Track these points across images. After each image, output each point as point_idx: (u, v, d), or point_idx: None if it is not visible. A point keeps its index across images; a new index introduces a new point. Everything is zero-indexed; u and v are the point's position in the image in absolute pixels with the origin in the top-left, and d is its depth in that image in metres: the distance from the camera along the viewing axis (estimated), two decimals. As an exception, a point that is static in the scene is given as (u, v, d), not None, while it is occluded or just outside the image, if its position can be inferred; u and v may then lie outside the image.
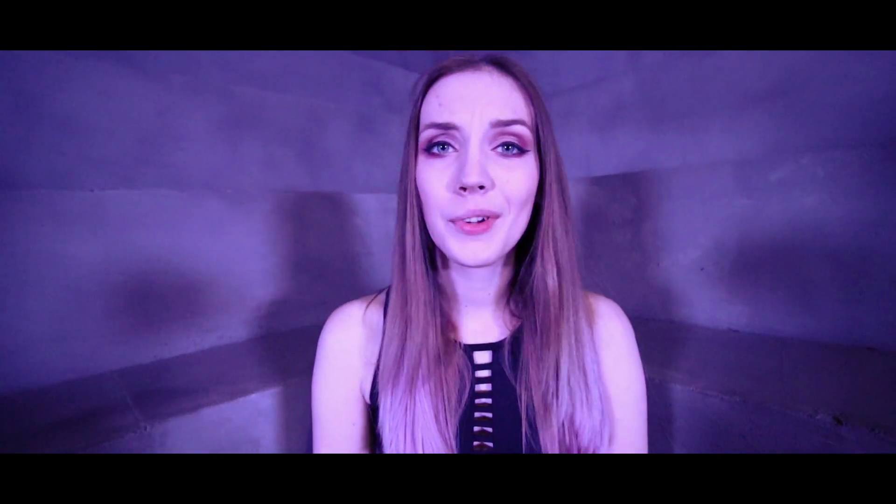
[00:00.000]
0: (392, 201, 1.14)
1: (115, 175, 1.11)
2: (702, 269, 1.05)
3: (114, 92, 1.12)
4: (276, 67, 1.59)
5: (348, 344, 0.50)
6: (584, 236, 1.27)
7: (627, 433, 0.48)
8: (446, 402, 0.44)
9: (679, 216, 1.10)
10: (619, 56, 1.58)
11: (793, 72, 1.10)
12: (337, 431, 0.50)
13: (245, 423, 0.75)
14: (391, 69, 2.11)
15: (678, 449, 0.73)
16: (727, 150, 1.19)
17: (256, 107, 1.42)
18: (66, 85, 1.06)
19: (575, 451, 0.44)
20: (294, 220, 1.27)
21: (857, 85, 0.99)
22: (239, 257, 1.15)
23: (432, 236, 0.44)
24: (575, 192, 1.32)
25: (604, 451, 0.46)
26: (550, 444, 0.42)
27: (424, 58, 2.21)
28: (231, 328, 1.11)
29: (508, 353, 0.46)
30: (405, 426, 0.44)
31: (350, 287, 1.36)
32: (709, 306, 1.04)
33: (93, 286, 0.92)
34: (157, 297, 1.00)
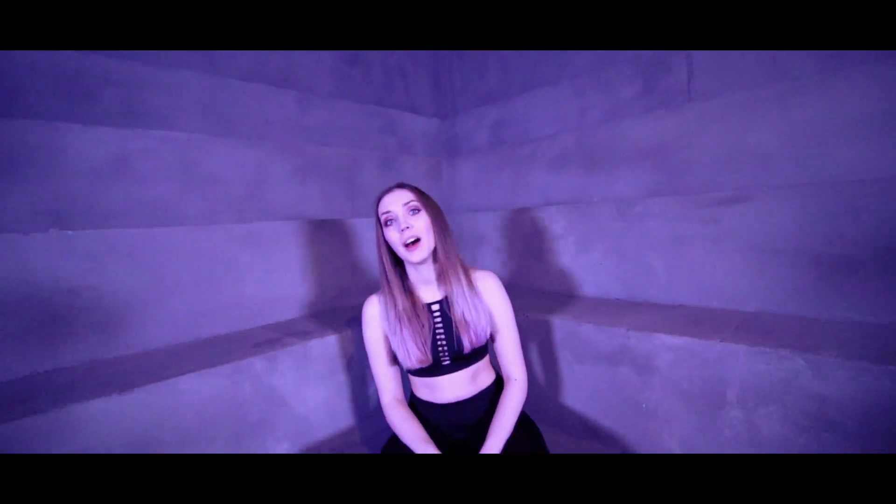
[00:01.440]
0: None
1: (232, 212, 1.79)
2: (601, 265, 1.67)
3: (227, 151, 1.80)
4: (326, 127, 2.27)
5: (374, 312, 1.08)
6: (530, 243, 1.90)
7: (504, 332, 1.07)
8: (420, 334, 1.02)
9: (591, 232, 1.72)
10: (572, 115, 2.21)
11: (664, 140, 1.71)
12: (377, 354, 1.09)
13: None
14: (401, 114, 2.79)
15: (547, 348, 1.35)
16: (622, 190, 1.81)
17: (315, 157, 2.09)
18: (212, 153, 1.73)
19: (478, 345, 1.04)
20: (345, 238, 1.92)
21: (698, 149, 1.60)
22: (306, 266, 1.80)
23: (398, 254, 1.01)
24: (532, 215, 1.95)
25: (489, 341, 1.06)
26: (468, 342, 1.03)
27: (430, 105, 2.88)
28: (316, 305, 1.76)
29: (445, 303, 1.06)
30: (403, 349, 1.02)
31: (365, 274, 2.01)
32: (597, 286, 1.65)
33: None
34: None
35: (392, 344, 1.04)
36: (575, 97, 2.36)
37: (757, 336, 1.06)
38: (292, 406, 1.23)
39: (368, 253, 1.96)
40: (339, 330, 1.39)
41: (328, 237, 1.84)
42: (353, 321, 1.41)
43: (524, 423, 1.05)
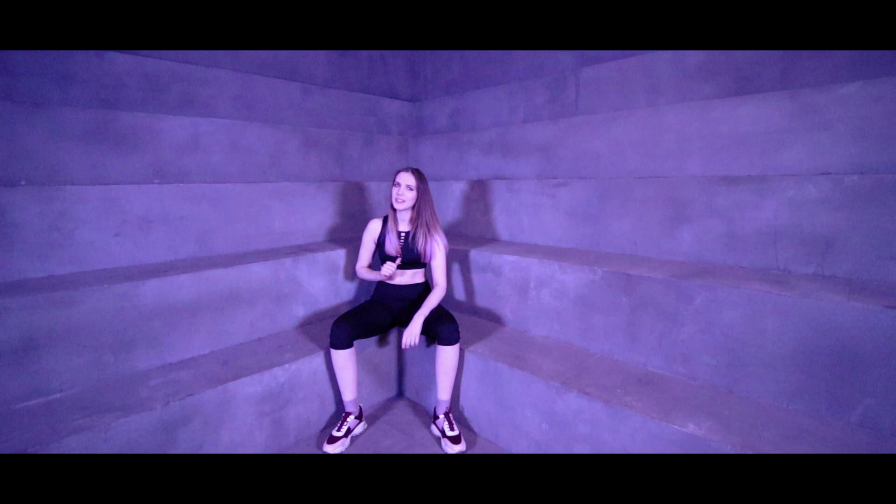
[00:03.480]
0: (381, 186, 2.74)
1: (261, 174, 2.68)
2: (497, 219, 2.64)
3: (256, 132, 2.67)
4: (323, 110, 3.13)
5: (373, 227, 2.06)
6: (463, 208, 2.86)
7: (437, 261, 2.01)
8: (395, 243, 2.00)
9: (493, 199, 2.68)
10: (504, 113, 3.13)
11: (549, 140, 2.65)
12: (366, 244, 2.05)
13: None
14: (381, 99, 3.65)
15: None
16: (529, 173, 2.76)
17: (315, 137, 2.97)
18: (246, 132, 2.61)
19: (416, 258, 2.01)
20: (336, 194, 2.83)
21: (564, 149, 2.55)
22: (312, 211, 2.72)
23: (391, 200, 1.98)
24: (464, 186, 2.89)
25: (431, 263, 2.04)
26: (415, 255, 1.99)
27: (405, 89, 3.74)
28: (318, 235, 2.70)
29: (409, 234, 2.01)
30: (386, 243, 2.01)
31: (362, 219, 2.95)
32: (495, 232, 2.64)
33: (265, 217, 2.51)
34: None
35: (385, 242, 2.00)
36: (508, 98, 3.27)
37: (552, 256, 2.06)
38: (306, 287, 2.21)
39: (351, 205, 2.89)
40: (333, 249, 2.36)
41: (325, 193, 2.75)
42: (345, 243, 2.37)
43: (442, 310, 2.03)
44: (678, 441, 1.29)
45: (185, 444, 1.52)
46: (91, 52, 2.27)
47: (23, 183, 1.87)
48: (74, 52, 2.21)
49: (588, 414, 1.50)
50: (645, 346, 1.71)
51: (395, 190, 1.94)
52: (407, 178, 1.93)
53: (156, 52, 2.52)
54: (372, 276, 2.00)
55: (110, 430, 1.35)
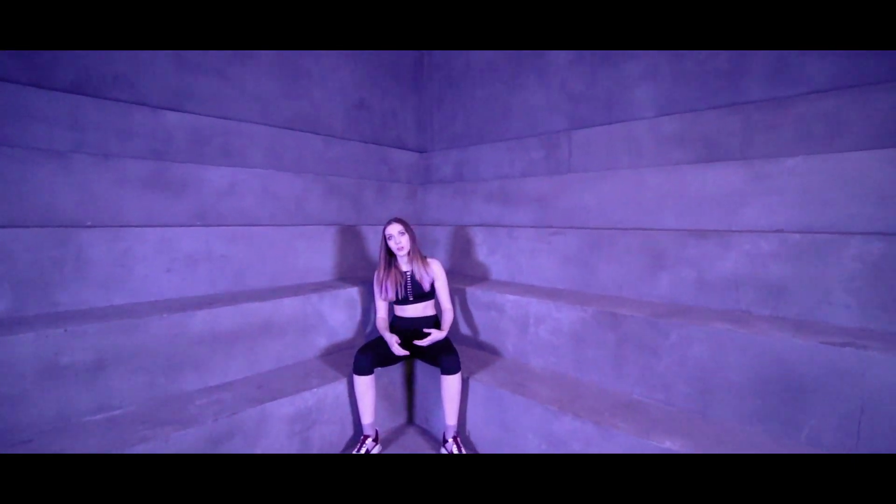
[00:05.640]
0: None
1: (287, 217, 2.99)
2: (497, 262, 2.94)
3: (284, 180, 3.00)
4: (341, 159, 3.50)
5: (376, 281, 2.34)
6: (467, 250, 3.16)
7: (440, 287, 2.31)
8: (398, 284, 2.27)
9: (495, 243, 2.98)
10: (504, 166, 3.51)
11: (545, 193, 3.00)
12: (377, 296, 2.32)
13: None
14: (391, 150, 4.04)
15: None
16: (526, 221, 3.10)
17: (336, 185, 3.30)
18: (276, 180, 2.93)
19: (425, 291, 2.28)
20: (344, 237, 3.13)
21: (558, 201, 2.90)
22: (331, 251, 3.00)
23: (392, 251, 2.26)
24: (469, 231, 3.21)
25: (433, 292, 2.31)
26: (421, 288, 2.27)
27: (413, 140, 4.14)
28: (336, 273, 2.97)
29: (411, 272, 2.31)
30: (385, 292, 2.26)
31: (374, 259, 3.23)
32: (496, 273, 2.93)
33: (290, 256, 2.79)
34: (306, 261, 2.88)
35: (381, 291, 2.28)
36: (507, 153, 3.66)
37: (548, 296, 2.34)
38: (328, 320, 2.46)
39: (367, 247, 3.18)
40: (352, 285, 2.63)
41: (344, 235, 3.05)
42: (359, 282, 2.64)
43: (446, 342, 2.28)
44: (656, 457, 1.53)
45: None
46: (147, 109, 2.61)
47: (88, 223, 2.15)
48: (134, 109, 2.56)
49: (581, 434, 1.74)
50: (630, 376, 1.96)
51: (391, 242, 2.23)
52: (397, 227, 2.24)
53: (200, 109, 2.89)
54: (387, 338, 2.13)
55: (170, 440, 1.57)
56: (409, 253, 2.26)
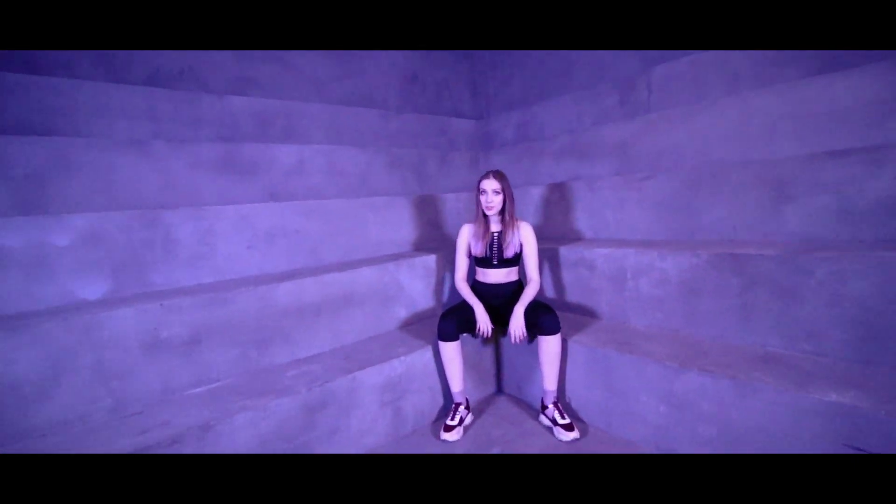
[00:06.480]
0: (458, 197, 2.90)
1: (353, 192, 2.93)
2: (578, 218, 2.69)
3: (348, 155, 2.94)
4: (400, 133, 3.39)
5: (465, 230, 2.16)
6: (542, 211, 2.94)
7: (528, 252, 2.11)
8: (486, 243, 2.11)
9: (573, 199, 2.74)
10: (572, 119, 3.23)
11: (625, 139, 2.70)
12: (460, 250, 2.16)
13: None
14: (449, 119, 3.87)
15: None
16: (604, 173, 2.82)
17: (398, 157, 3.20)
18: (340, 155, 2.88)
19: (511, 256, 2.10)
20: (414, 206, 3.02)
21: (641, 146, 2.59)
22: (401, 223, 2.91)
23: (482, 208, 2.10)
24: (542, 191, 2.98)
25: (519, 257, 2.13)
26: (507, 253, 2.09)
27: (469, 109, 3.95)
28: (407, 244, 2.89)
29: (499, 234, 2.12)
30: (476, 247, 2.11)
31: (444, 229, 3.10)
32: (577, 231, 2.68)
33: (361, 230, 2.73)
34: (377, 235, 2.80)
35: (472, 246, 2.12)
36: (574, 106, 3.37)
37: (643, 247, 2.08)
38: (406, 290, 2.37)
39: (436, 217, 3.05)
40: (428, 254, 2.52)
41: (411, 206, 2.94)
42: (434, 251, 2.52)
43: (539, 303, 2.08)
44: (821, 411, 1.26)
45: (323, 427, 1.68)
46: (214, 96, 2.64)
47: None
48: (201, 96, 2.59)
49: (713, 392, 1.50)
50: (760, 327, 1.68)
51: (482, 198, 2.04)
52: (492, 184, 2.03)
53: (262, 93, 2.89)
54: (470, 299, 2.04)
55: (268, 410, 1.53)
56: (500, 213, 2.08)
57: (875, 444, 1.16)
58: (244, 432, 1.48)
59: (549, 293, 2.46)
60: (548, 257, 2.42)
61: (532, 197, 3.00)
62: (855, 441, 1.20)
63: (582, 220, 2.71)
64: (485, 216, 2.10)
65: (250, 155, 2.54)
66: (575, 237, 2.74)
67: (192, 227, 2.01)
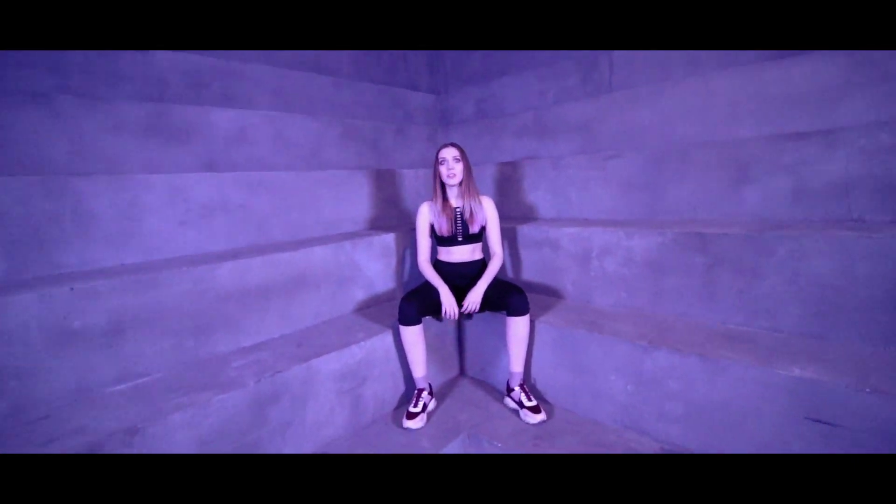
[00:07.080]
0: (416, 174, 2.75)
1: (304, 164, 2.68)
2: (542, 197, 2.64)
3: (298, 123, 2.68)
4: (353, 103, 3.14)
5: (425, 209, 2.03)
6: (503, 190, 2.86)
7: (491, 227, 2.02)
8: (448, 219, 1.99)
9: (536, 178, 2.68)
10: (533, 97, 3.14)
11: (588, 118, 2.66)
12: (422, 230, 2.03)
13: (378, 247, 2.35)
14: (407, 92, 3.66)
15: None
16: (567, 151, 2.77)
17: (353, 129, 2.97)
18: (289, 123, 2.61)
19: (476, 231, 2.00)
20: (372, 181, 2.83)
21: (605, 125, 2.56)
22: (357, 199, 2.71)
23: (443, 180, 1.97)
24: (504, 168, 2.89)
25: (483, 233, 2.03)
26: (472, 228, 1.98)
27: (426, 83, 3.75)
28: (364, 223, 2.70)
29: (462, 209, 2.01)
30: (438, 225, 1.98)
31: (402, 206, 2.93)
32: (540, 210, 2.64)
33: (312, 206, 2.51)
34: (330, 212, 2.59)
35: (435, 225, 1.99)
36: (537, 83, 3.28)
37: (609, 226, 2.06)
38: (364, 271, 2.21)
39: (395, 192, 2.88)
40: (386, 232, 2.36)
41: (367, 182, 2.75)
42: (392, 230, 2.36)
43: (508, 283, 2.01)
44: (786, 385, 1.29)
45: (276, 421, 1.51)
46: (137, 52, 2.27)
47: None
48: (122, 52, 2.22)
49: (681, 370, 1.50)
50: (723, 304, 1.70)
51: (442, 168, 1.93)
52: (452, 152, 1.93)
53: (195, 50, 2.53)
54: (434, 281, 1.93)
55: (210, 407, 1.34)
56: (460, 184, 1.96)
57: (839, 417, 1.20)
58: (181, 434, 1.28)
59: (512, 273, 2.40)
60: (509, 237, 2.35)
61: (492, 174, 2.91)
62: (819, 415, 1.23)
63: (545, 199, 2.65)
64: (443, 192, 1.98)
65: (182, 118, 2.22)
66: (537, 216, 2.69)
67: (111, 199, 1.72)
